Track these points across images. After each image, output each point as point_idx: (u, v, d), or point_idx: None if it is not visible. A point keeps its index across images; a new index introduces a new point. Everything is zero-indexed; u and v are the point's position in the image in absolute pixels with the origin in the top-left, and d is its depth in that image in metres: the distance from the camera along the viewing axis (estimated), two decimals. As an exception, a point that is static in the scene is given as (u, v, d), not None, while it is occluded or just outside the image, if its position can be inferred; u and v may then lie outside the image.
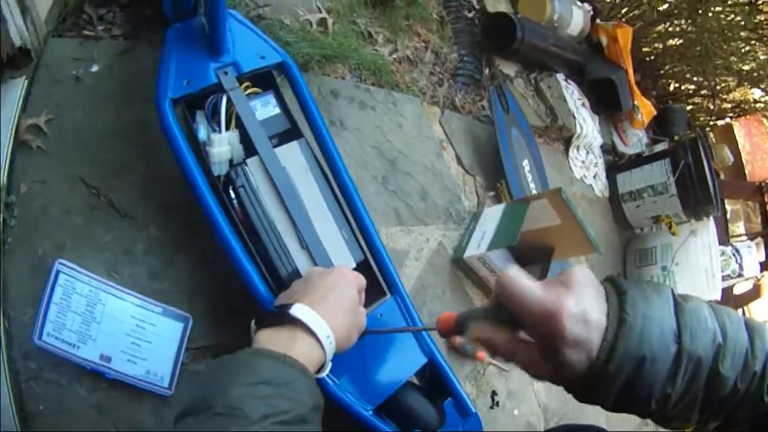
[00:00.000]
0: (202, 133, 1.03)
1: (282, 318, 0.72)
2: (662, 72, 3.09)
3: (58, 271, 0.94)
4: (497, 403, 1.54)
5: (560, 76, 2.30)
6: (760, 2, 2.60)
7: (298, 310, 0.71)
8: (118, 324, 0.98)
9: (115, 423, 0.98)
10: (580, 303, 0.51)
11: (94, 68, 1.16)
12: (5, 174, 1.01)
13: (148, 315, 1.01)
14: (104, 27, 1.21)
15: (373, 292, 1.06)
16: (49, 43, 1.13)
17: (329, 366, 0.76)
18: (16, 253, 0.99)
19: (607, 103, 2.43)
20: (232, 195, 1.01)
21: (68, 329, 0.93)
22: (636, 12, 2.79)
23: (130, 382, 0.98)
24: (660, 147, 2.40)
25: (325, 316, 0.73)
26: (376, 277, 1.10)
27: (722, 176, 2.85)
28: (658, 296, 0.52)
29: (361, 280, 0.87)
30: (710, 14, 2.72)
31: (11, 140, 1.02)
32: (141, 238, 1.10)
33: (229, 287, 1.05)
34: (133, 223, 1.10)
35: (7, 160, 1.01)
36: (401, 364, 1.06)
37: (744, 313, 2.45)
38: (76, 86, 1.13)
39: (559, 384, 0.55)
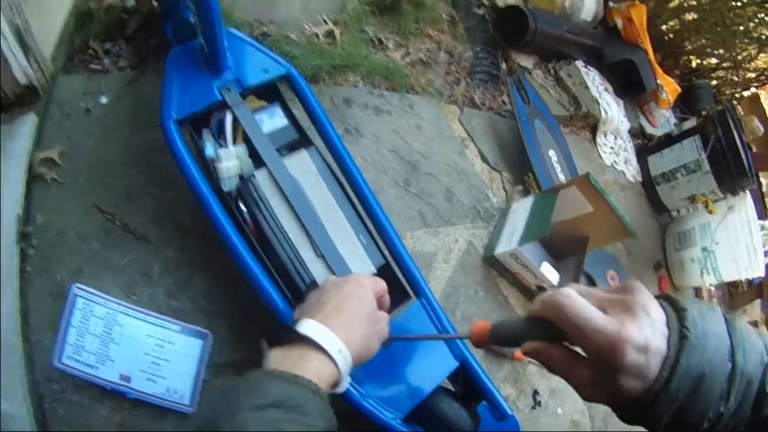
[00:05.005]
0: (209, 150, 1.03)
1: (291, 336, 0.69)
2: (682, 49, 3.01)
3: (75, 295, 0.96)
4: (539, 402, 1.49)
5: (579, 63, 2.27)
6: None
7: (306, 327, 0.69)
8: (137, 344, 1.00)
9: (139, 442, 0.99)
10: (643, 330, 0.49)
11: (103, 100, 1.21)
12: (21, 206, 1.04)
13: (166, 333, 1.02)
14: (111, 60, 1.26)
15: (397, 297, 1.04)
16: (59, 80, 1.19)
17: (348, 380, 0.73)
18: (35, 281, 1.03)
19: (631, 85, 2.39)
20: (243, 208, 1.00)
21: (87, 351, 0.96)
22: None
23: (151, 401, 0.99)
24: (688, 125, 2.32)
25: (338, 329, 0.70)
26: (400, 281, 1.07)
27: (754, 148, 2.73)
28: (713, 312, 0.51)
29: (380, 285, 0.84)
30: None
31: (26, 174, 1.06)
32: (157, 259, 1.12)
33: (250, 302, 1.03)
34: (149, 245, 1.13)
35: (23, 193, 1.05)
36: (431, 370, 1.02)
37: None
38: (86, 118, 1.17)
39: (608, 405, 0.53)
